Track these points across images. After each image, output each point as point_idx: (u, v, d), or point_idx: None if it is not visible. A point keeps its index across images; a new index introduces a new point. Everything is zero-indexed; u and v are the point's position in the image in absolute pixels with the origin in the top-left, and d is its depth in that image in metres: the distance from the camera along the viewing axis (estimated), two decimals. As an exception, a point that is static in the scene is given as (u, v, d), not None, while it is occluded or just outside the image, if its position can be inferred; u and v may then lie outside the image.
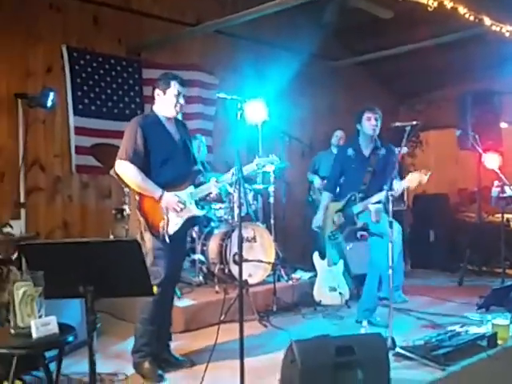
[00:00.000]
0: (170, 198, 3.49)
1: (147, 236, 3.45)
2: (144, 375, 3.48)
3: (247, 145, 6.47)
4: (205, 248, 5.34)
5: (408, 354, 3.62)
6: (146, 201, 3.49)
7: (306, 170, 7.00)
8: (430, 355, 3.54)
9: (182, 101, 3.58)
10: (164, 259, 3.49)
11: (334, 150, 6.57)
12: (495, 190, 6.23)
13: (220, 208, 5.53)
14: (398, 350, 3.69)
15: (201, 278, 5.28)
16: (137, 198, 3.50)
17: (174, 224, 3.52)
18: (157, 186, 3.48)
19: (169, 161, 3.56)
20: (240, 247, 3.23)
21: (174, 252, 3.57)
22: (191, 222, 3.66)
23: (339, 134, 6.73)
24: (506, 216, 6.42)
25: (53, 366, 2.96)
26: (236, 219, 5.24)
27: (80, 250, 2.44)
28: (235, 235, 4.92)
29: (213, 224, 5.56)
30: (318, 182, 6.63)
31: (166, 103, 3.57)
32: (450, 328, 4.07)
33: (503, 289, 5.09)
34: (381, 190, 4.50)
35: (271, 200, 5.60)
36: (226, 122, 6.44)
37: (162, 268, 3.48)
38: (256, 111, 5.62)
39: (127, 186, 3.60)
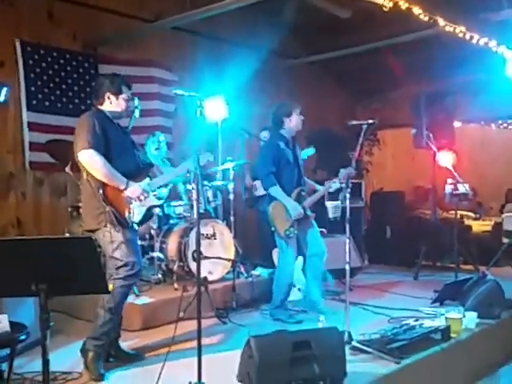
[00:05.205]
0: (135, 187, 3.53)
1: (117, 228, 3.43)
2: (88, 363, 3.37)
3: (207, 142, 6.44)
4: (164, 245, 5.29)
5: (364, 347, 3.67)
6: (110, 191, 3.47)
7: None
8: (385, 348, 3.59)
9: (131, 103, 3.74)
10: (134, 249, 3.52)
11: None
12: (449, 188, 6.39)
13: (179, 205, 5.50)
14: (354, 343, 3.73)
15: (159, 275, 5.21)
16: (100, 189, 3.43)
17: (137, 213, 3.56)
18: (122, 176, 3.49)
19: (123, 155, 3.60)
20: (198, 244, 3.23)
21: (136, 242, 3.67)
22: (149, 212, 3.72)
23: (266, 134, 6.20)
24: (459, 212, 6.60)
25: (5, 366, 2.91)
26: (195, 216, 5.22)
27: (32, 248, 2.39)
28: (194, 232, 4.89)
29: (172, 221, 5.53)
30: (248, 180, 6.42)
31: (117, 107, 3.65)
32: (404, 322, 4.16)
33: (457, 283, 5.22)
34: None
35: (231, 197, 5.60)
36: (186, 120, 6.39)
37: (135, 258, 3.49)
38: (216, 109, 5.61)
39: (89, 175, 3.45)
